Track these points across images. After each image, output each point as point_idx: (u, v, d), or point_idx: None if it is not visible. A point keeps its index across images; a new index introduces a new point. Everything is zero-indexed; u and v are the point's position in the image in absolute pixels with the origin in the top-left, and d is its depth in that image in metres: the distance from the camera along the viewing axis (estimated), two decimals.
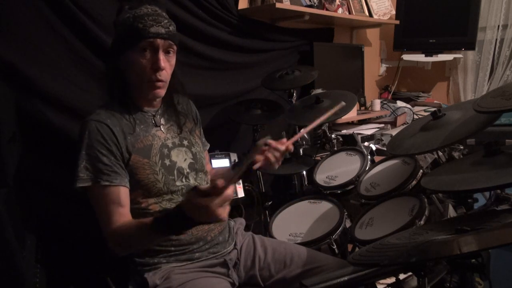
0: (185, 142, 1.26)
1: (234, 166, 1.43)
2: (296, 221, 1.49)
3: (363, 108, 2.90)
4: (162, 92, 1.18)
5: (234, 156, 1.90)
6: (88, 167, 1.07)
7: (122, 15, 1.14)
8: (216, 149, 1.90)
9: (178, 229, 0.97)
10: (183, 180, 1.21)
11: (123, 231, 1.07)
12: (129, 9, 1.14)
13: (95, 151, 1.08)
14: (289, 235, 1.43)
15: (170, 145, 1.22)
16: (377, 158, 1.79)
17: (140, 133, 1.17)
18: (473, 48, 3.03)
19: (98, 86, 1.52)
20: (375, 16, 2.84)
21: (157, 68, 1.12)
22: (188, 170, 1.23)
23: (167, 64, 1.15)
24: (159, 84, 1.15)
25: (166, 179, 1.17)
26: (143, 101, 1.20)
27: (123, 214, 1.10)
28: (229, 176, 0.88)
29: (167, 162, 1.18)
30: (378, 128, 2.62)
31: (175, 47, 1.17)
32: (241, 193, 1.82)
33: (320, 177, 1.71)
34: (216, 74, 2.06)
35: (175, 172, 1.20)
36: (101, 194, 1.08)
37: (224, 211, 0.87)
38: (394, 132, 2.44)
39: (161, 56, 1.12)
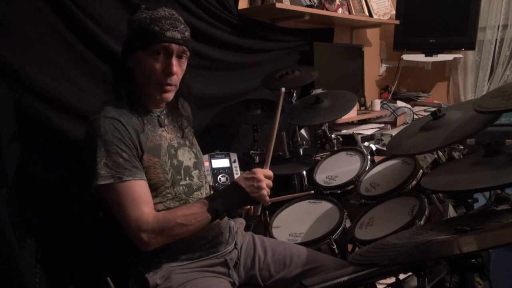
0: (187, 143, 1.28)
1: None
2: (296, 221, 1.49)
3: (363, 108, 2.90)
4: (170, 95, 1.18)
5: (234, 156, 1.91)
6: (108, 164, 1.05)
7: (138, 15, 1.13)
8: (216, 149, 1.91)
9: (230, 203, 1.12)
10: (187, 178, 1.21)
11: (161, 221, 1.06)
12: (145, 9, 1.13)
13: (114, 147, 1.06)
14: (289, 235, 1.43)
15: (175, 145, 1.22)
16: (377, 158, 1.79)
17: (149, 132, 1.17)
18: (473, 48, 3.03)
19: (99, 86, 1.52)
20: (375, 16, 2.84)
21: (169, 72, 1.12)
22: (192, 169, 1.24)
23: (178, 69, 1.15)
24: (169, 88, 1.15)
25: (174, 178, 1.17)
26: (150, 102, 1.20)
27: (150, 205, 1.09)
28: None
29: (175, 162, 1.19)
30: (378, 128, 2.62)
31: (188, 53, 1.17)
32: None
33: (320, 177, 1.71)
34: (216, 74, 2.06)
35: (182, 171, 1.21)
36: (125, 191, 1.06)
37: (267, 193, 1.13)
38: (394, 132, 2.44)
39: (174, 61, 1.12)
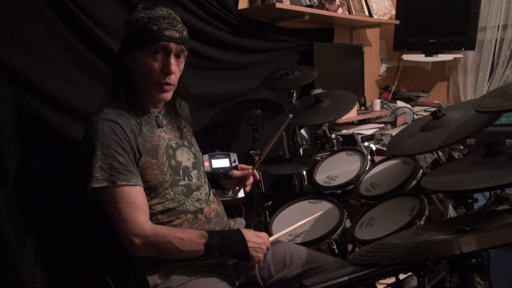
0: (186, 143, 1.28)
1: None
2: (296, 221, 1.49)
3: (363, 108, 2.90)
4: (169, 95, 1.18)
5: (234, 156, 1.90)
6: (104, 167, 1.05)
7: (136, 14, 1.12)
8: (216, 149, 1.90)
9: (227, 247, 1.12)
10: (186, 179, 1.21)
11: (159, 235, 1.07)
12: (143, 9, 1.13)
13: (111, 150, 1.06)
14: (289, 235, 1.43)
15: (174, 145, 1.22)
16: (377, 158, 1.79)
17: (147, 134, 1.16)
18: (473, 48, 3.03)
19: (99, 86, 1.52)
20: (375, 16, 2.84)
21: (167, 72, 1.12)
22: (191, 169, 1.24)
23: (177, 68, 1.14)
24: (167, 87, 1.15)
25: (173, 179, 1.17)
26: (148, 102, 1.20)
27: (147, 214, 1.10)
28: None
29: (173, 162, 1.19)
30: (378, 128, 2.62)
31: (186, 52, 1.17)
32: (241, 193, 1.82)
33: (320, 177, 1.71)
34: (216, 74, 2.06)
35: (181, 172, 1.20)
36: (120, 195, 1.06)
37: (260, 258, 1.16)
38: (394, 132, 2.44)
39: (173, 60, 1.12)
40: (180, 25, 1.13)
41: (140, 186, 1.10)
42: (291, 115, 1.36)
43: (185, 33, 1.14)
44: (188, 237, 1.10)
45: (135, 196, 1.08)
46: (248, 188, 1.40)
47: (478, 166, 1.04)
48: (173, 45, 1.11)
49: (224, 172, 1.44)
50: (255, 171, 1.39)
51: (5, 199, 1.13)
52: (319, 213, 1.44)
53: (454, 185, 1.03)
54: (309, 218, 1.39)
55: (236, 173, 1.40)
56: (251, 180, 1.39)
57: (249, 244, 1.13)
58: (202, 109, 2.02)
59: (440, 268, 1.08)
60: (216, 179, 1.45)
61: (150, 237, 1.07)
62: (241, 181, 1.40)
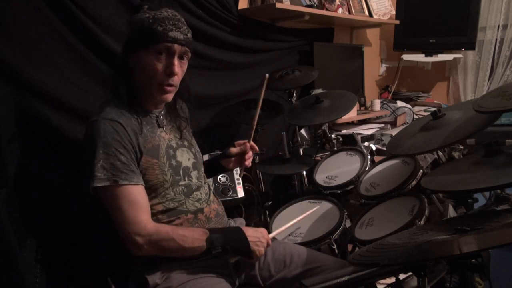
0: (186, 143, 1.28)
1: None
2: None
3: (363, 108, 2.90)
4: (170, 96, 1.18)
5: None
6: (106, 166, 1.05)
7: (141, 15, 1.12)
8: (216, 149, 1.90)
9: (228, 242, 1.12)
10: (186, 179, 1.22)
11: (162, 233, 1.07)
12: (148, 9, 1.13)
13: (113, 149, 1.06)
14: (289, 235, 1.43)
15: (174, 145, 1.22)
16: (377, 158, 1.79)
17: (147, 133, 1.17)
18: (473, 48, 3.03)
19: (99, 86, 1.52)
20: (375, 16, 2.84)
21: (170, 73, 1.12)
22: (191, 169, 1.24)
23: (179, 70, 1.15)
24: (169, 88, 1.15)
25: (173, 179, 1.17)
26: (149, 102, 1.20)
27: (148, 213, 1.10)
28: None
29: (173, 162, 1.19)
30: (378, 128, 2.62)
31: (189, 54, 1.17)
32: (241, 193, 1.82)
33: (320, 177, 1.71)
34: (216, 74, 2.06)
35: (181, 172, 1.21)
36: (121, 194, 1.06)
37: (262, 252, 1.16)
38: (394, 132, 2.44)
39: (176, 61, 1.13)
40: (185, 27, 1.14)
41: (142, 185, 1.10)
42: (267, 75, 1.35)
43: (189, 35, 1.15)
44: (190, 234, 1.10)
45: (136, 195, 1.08)
46: (248, 163, 1.39)
47: (478, 166, 1.04)
48: (177, 47, 1.11)
49: (222, 153, 1.43)
50: (252, 143, 1.38)
51: (5, 199, 1.13)
52: (315, 208, 1.45)
53: (454, 185, 1.03)
54: (306, 214, 1.39)
55: (234, 150, 1.39)
56: (250, 154, 1.38)
57: (249, 239, 1.14)
58: (202, 109, 2.02)
59: (440, 268, 1.08)
60: (216, 162, 1.44)
61: (153, 236, 1.07)
62: (240, 158, 1.39)
